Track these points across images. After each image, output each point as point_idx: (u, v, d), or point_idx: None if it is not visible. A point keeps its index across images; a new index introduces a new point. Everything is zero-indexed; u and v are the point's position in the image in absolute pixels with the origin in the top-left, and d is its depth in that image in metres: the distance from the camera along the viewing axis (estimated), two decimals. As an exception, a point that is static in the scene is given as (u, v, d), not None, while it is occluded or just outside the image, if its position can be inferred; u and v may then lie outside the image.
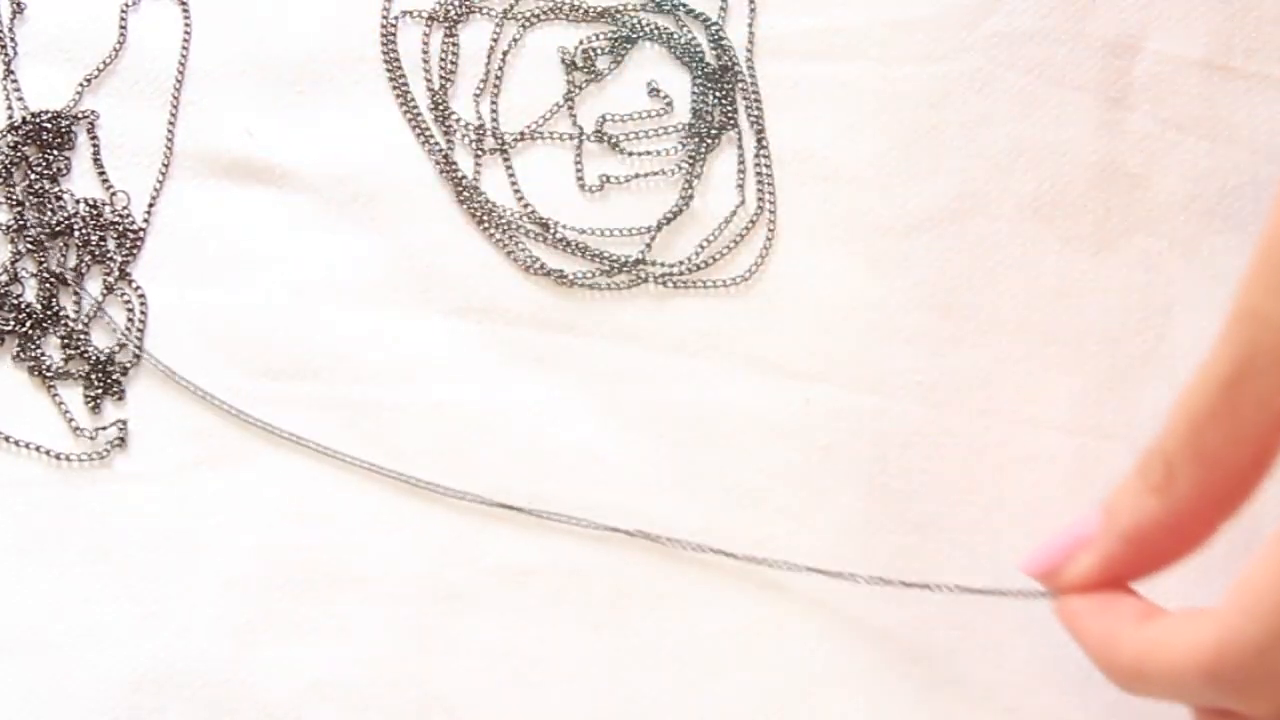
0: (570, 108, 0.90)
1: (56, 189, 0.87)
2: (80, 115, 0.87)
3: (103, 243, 0.86)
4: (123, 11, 0.89)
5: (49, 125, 0.86)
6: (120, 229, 0.86)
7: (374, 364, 0.85)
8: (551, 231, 0.88)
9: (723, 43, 0.91)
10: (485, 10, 0.91)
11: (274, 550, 0.82)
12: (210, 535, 0.82)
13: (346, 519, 0.83)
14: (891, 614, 0.83)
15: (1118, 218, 0.89)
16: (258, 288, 0.86)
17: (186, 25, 0.89)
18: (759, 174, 0.89)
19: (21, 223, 0.86)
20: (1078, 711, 0.82)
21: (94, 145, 0.87)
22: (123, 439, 0.83)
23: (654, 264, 0.88)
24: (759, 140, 0.89)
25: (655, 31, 0.91)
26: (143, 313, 0.85)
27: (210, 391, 0.84)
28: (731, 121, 0.90)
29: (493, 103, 0.90)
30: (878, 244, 0.88)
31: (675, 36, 0.91)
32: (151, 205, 0.87)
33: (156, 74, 0.88)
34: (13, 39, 0.88)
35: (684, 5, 0.91)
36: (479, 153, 0.89)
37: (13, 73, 0.88)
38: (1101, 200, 0.89)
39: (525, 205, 0.88)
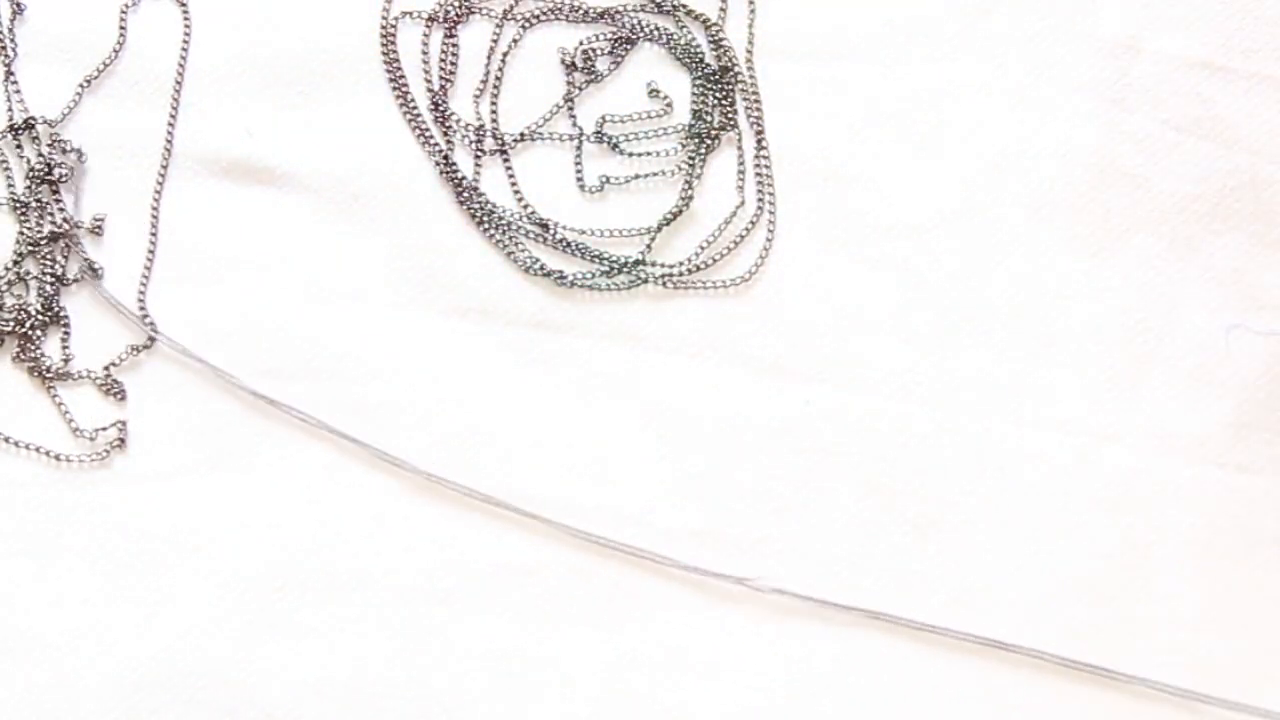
0: (570, 108, 0.90)
1: (57, 195, 0.87)
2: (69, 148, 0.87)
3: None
4: (123, 12, 0.89)
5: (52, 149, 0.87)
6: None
7: (374, 364, 0.85)
8: (551, 232, 0.88)
9: (722, 43, 0.91)
10: (485, 11, 0.91)
11: (274, 550, 0.82)
12: (210, 535, 0.82)
13: (346, 519, 0.83)
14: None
15: (1118, 218, 0.89)
16: (257, 288, 0.86)
17: (186, 25, 0.89)
18: (759, 174, 0.89)
19: (25, 224, 0.86)
20: (1078, 710, 0.82)
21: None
22: (122, 440, 0.83)
23: (654, 264, 0.88)
24: (759, 140, 0.89)
25: (655, 32, 0.91)
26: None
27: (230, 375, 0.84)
28: (731, 122, 0.90)
29: (492, 103, 0.90)
30: (878, 244, 0.88)
31: (675, 37, 0.91)
32: (153, 206, 0.87)
33: (156, 74, 0.88)
34: (13, 39, 0.88)
35: (684, 6, 0.91)
36: (479, 153, 0.89)
37: (12, 73, 0.88)
38: (1101, 200, 0.89)
39: (525, 206, 0.88)
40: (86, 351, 0.85)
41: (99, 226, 0.86)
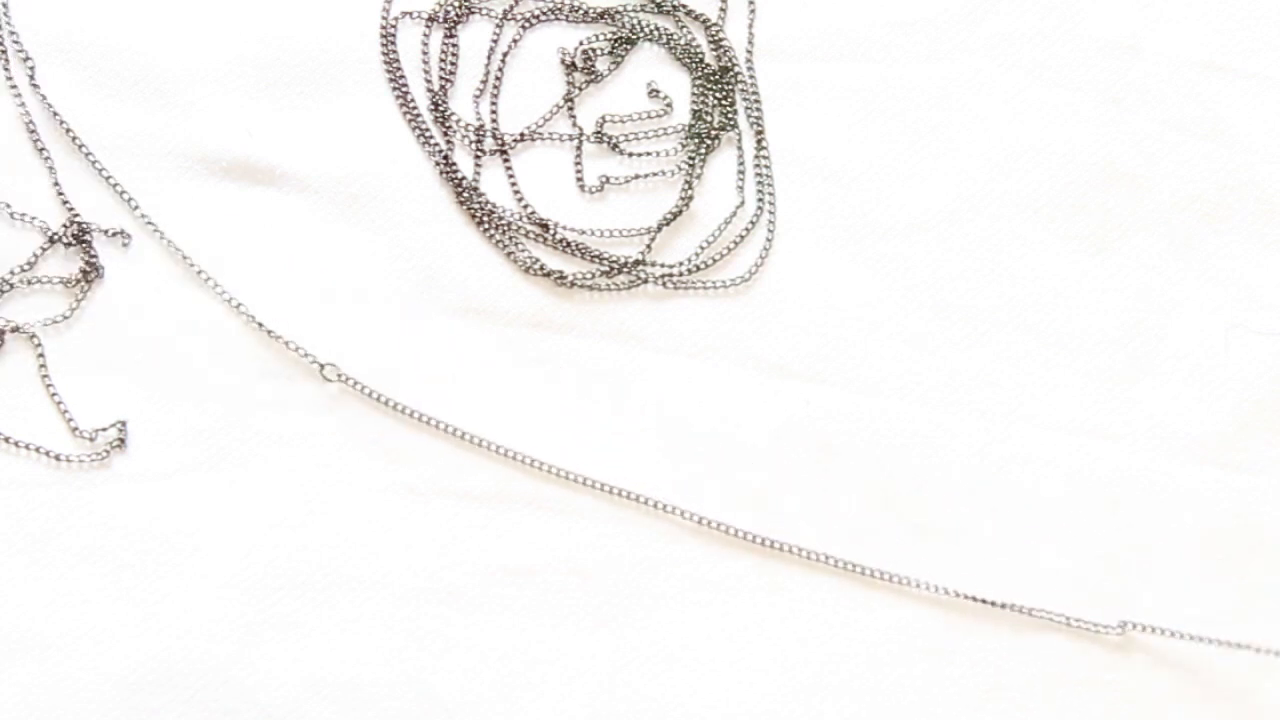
0: (570, 108, 0.90)
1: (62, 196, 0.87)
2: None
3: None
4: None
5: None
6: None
7: (374, 364, 0.85)
8: (551, 232, 0.88)
9: (722, 43, 0.91)
10: (485, 11, 0.91)
11: (274, 550, 0.82)
12: (210, 535, 0.82)
13: (346, 519, 0.83)
14: (892, 614, 0.83)
15: (1118, 218, 0.89)
16: (258, 288, 0.86)
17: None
18: (759, 174, 0.89)
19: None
20: (1079, 710, 0.82)
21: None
22: (122, 440, 0.83)
23: (654, 264, 0.88)
24: (759, 140, 0.89)
25: (655, 32, 0.91)
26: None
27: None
28: (731, 122, 0.90)
29: (492, 103, 0.90)
30: (878, 244, 0.88)
31: (675, 37, 0.91)
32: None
33: (157, 74, 0.88)
34: (14, 39, 0.88)
35: (684, 6, 0.92)
36: (479, 153, 0.89)
37: (9, 74, 0.88)
38: (1101, 200, 0.89)
39: (525, 206, 0.88)
40: (89, 350, 0.85)
41: (126, 240, 0.86)
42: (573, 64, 0.90)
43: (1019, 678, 0.83)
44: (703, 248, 0.88)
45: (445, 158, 0.89)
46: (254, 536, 0.83)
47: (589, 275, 0.87)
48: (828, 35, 0.91)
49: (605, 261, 0.88)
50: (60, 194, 0.87)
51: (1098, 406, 0.86)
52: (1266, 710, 0.82)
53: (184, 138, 0.88)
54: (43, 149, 0.87)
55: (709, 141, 0.90)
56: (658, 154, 0.89)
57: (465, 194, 0.88)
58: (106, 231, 0.86)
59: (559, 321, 0.87)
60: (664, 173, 0.89)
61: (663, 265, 0.88)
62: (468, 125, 0.89)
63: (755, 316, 0.87)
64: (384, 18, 0.90)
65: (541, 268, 0.87)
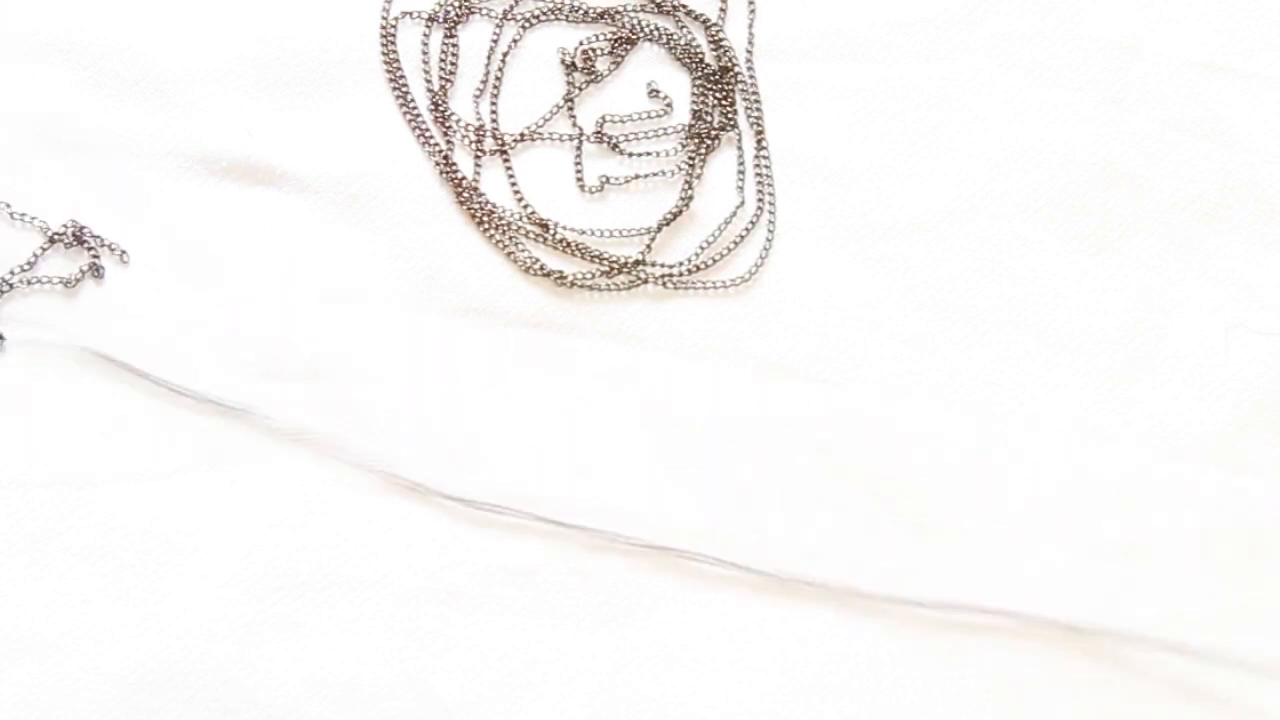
0: (570, 109, 0.90)
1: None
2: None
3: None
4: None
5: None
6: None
7: (374, 364, 0.85)
8: (551, 232, 0.88)
9: (722, 43, 0.91)
10: (485, 11, 0.91)
11: (274, 550, 0.82)
12: (210, 535, 0.82)
13: (346, 519, 0.83)
14: (892, 614, 0.83)
15: (1118, 218, 0.89)
16: (258, 288, 0.86)
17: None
18: (759, 174, 0.89)
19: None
20: (1077, 710, 0.82)
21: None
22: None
23: (654, 264, 0.88)
24: (759, 140, 0.89)
25: (655, 32, 0.91)
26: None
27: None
28: (731, 122, 0.90)
29: (492, 103, 0.90)
30: (878, 244, 0.88)
31: (675, 37, 0.91)
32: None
33: (157, 74, 0.88)
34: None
35: (684, 6, 0.92)
36: (479, 153, 0.89)
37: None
38: (1101, 200, 0.89)
39: (525, 206, 0.88)
40: (89, 350, 0.85)
41: (125, 258, 0.86)
42: (573, 64, 0.90)
43: (1018, 678, 0.83)
44: (703, 248, 0.88)
45: (445, 158, 0.89)
46: (254, 536, 0.83)
47: (589, 275, 0.87)
48: (828, 35, 0.91)
49: (605, 261, 0.88)
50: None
51: (1098, 406, 0.86)
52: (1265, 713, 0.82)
53: (184, 138, 0.88)
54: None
55: (709, 141, 0.90)
56: (658, 154, 0.89)
57: (465, 194, 0.88)
58: (110, 247, 0.86)
59: (559, 321, 0.87)
60: (664, 173, 0.89)
61: (663, 265, 0.88)
62: (468, 125, 0.89)
63: (755, 316, 0.87)
64: (384, 18, 0.90)
65: (541, 268, 0.87)
